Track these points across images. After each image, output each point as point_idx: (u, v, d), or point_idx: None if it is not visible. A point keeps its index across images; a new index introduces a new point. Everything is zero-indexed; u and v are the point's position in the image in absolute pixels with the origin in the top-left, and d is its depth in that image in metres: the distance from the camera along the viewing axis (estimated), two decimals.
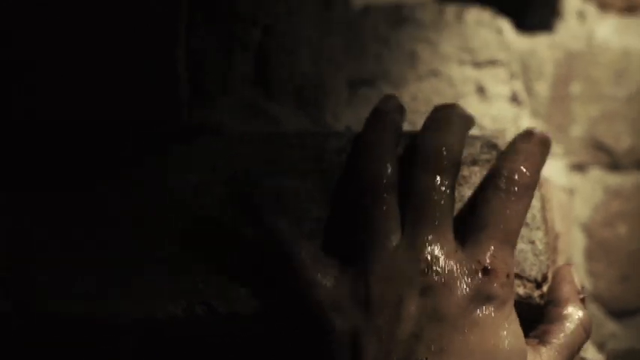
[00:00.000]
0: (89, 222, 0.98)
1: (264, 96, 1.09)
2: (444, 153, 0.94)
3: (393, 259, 0.90)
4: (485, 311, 0.90)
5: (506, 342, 0.89)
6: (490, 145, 1.02)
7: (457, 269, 0.90)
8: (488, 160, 1.01)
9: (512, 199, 0.94)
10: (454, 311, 0.88)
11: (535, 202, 1.01)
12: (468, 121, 0.98)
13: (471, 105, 1.18)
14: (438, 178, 0.93)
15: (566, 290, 0.97)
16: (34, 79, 0.97)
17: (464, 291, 0.89)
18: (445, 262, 0.90)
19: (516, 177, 0.94)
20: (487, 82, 1.23)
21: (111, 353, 1.00)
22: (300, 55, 1.15)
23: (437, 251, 0.91)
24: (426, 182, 0.93)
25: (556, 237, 1.11)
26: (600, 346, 1.07)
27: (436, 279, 0.89)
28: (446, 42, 1.23)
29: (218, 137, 1.01)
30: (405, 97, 1.20)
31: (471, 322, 0.88)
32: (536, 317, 1.02)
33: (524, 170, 0.95)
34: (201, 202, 0.99)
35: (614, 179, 1.35)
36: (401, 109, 0.98)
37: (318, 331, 0.91)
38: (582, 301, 0.97)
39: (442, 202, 0.92)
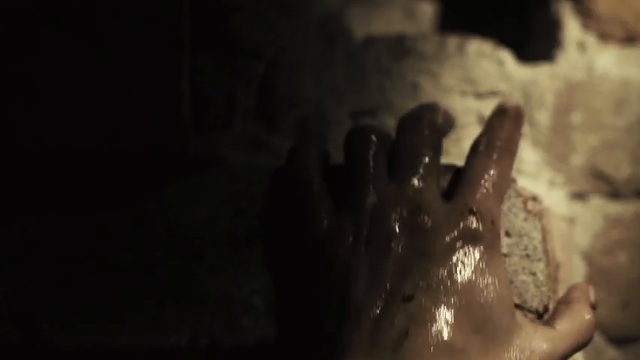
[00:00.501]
0: (94, 253, 1.00)
1: (267, 129, 1.11)
2: (430, 122, 1.00)
3: (382, 199, 0.94)
4: (472, 251, 0.93)
5: (492, 284, 0.92)
6: None
7: (444, 210, 0.94)
8: None
9: (494, 157, 0.99)
10: (441, 249, 0.92)
11: (536, 234, 1.02)
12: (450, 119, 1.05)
13: (473, 135, 1.19)
14: (424, 136, 0.98)
15: (578, 294, 1.00)
16: (39, 110, 0.98)
17: (450, 230, 0.93)
18: (432, 204, 0.95)
19: (496, 142, 1.00)
20: (488, 113, 1.25)
21: None
22: (303, 88, 1.16)
23: (424, 194, 0.95)
24: (411, 139, 0.98)
25: (557, 267, 1.12)
26: None
27: (424, 218, 0.93)
28: (448, 73, 1.25)
29: (222, 171, 1.02)
30: None
31: (458, 260, 0.92)
32: None
33: (503, 137, 1.00)
34: (208, 236, 1.00)
35: (615, 208, 1.36)
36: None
37: (314, 259, 0.94)
38: (592, 307, 0.99)
39: (427, 158, 0.97)
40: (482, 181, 0.97)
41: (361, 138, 0.98)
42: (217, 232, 1.00)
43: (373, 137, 0.97)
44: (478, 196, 0.96)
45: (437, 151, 0.99)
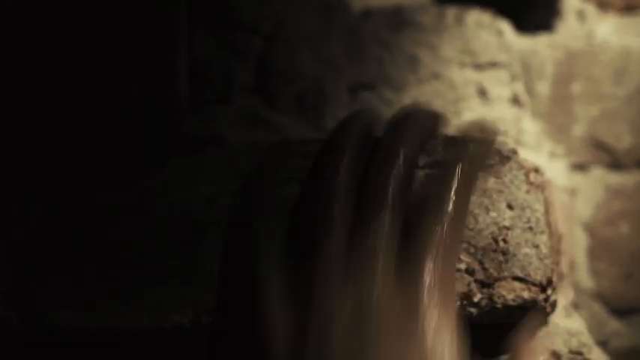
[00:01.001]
0: (94, 234, 0.99)
1: (266, 104, 1.10)
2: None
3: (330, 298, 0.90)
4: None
5: None
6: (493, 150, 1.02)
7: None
8: (491, 166, 1.02)
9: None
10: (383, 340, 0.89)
11: (538, 206, 1.01)
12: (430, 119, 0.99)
13: (473, 107, 1.18)
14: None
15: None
16: (33, 92, 0.97)
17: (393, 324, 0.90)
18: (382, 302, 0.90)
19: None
20: (488, 84, 1.24)
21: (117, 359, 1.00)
22: (301, 62, 1.15)
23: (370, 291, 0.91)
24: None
25: (559, 239, 1.11)
26: (603, 345, 1.08)
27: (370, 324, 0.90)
28: (446, 45, 1.24)
29: (221, 148, 1.01)
30: (407, 101, 1.20)
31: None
32: (541, 322, 1.03)
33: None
34: (210, 214, 0.99)
35: (616, 178, 1.35)
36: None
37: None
38: None
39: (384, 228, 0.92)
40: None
41: (333, 150, 0.94)
42: (218, 210, 0.99)
43: (348, 152, 0.94)
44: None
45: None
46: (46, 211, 0.99)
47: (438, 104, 1.20)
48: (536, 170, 1.03)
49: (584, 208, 1.34)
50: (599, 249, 1.33)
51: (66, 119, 0.97)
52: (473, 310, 0.99)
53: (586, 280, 1.32)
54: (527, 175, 1.02)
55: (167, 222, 0.99)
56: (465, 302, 0.99)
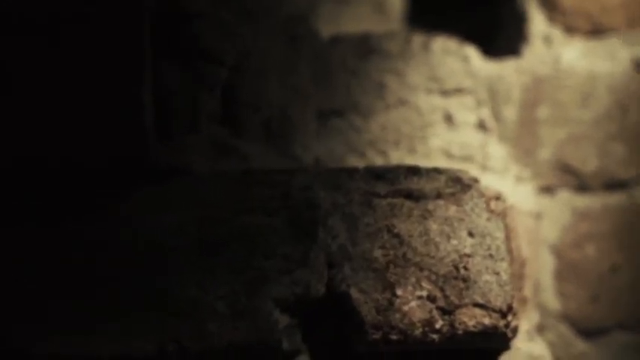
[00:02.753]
0: (62, 264, 1.00)
1: (233, 133, 1.11)
2: None
3: None
4: None
5: None
6: (454, 179, 1.04)
7: None
8: (452, 194, 1.03)
9: None
10: None
11: (499, 234, 1.03)
12: None
13: (439, 133, 1.20)
14: None
15: None
16: (6, 127, 0.98)
17: None
18: None
19: None
20: (454, 110, 1.25)
21: None
22: (267, 90, 1.16)
23: None
24: None
25: (522, 263, 1.13)
26: None
27: None
28: (413, 72, 1.25)
29: (188, 178, 1.03)
30: (374, 127, 1.22)
31: None
32: (501, 347, 1.04)
33: None
34: (175, 242, 1.01)
35: (582, 201, 1.37)
36: None
37: None
38: None
39: None
40: None
41: None
42: (184, 239, 1.01)
43: None
44: None
45: None
46: (13, 240, 1.00)
47: (404, 130, 1.21)
48: (498, 197, 1.04)
49: (551, 231, 1.35)
50: (566, 271, 1.35)
51: (29, 146, 0.99)
52: (434, 336, 1.01)
53: (553, 302, 1.34)
54: (488, 202, 1.04)
55: (133, 251, 1.00)
56: (426, 329, 1.01)
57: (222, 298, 0.99)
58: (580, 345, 1.35)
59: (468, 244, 1.02)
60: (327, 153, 1.18)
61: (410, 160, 1.01)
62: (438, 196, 1.03)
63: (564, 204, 1.36)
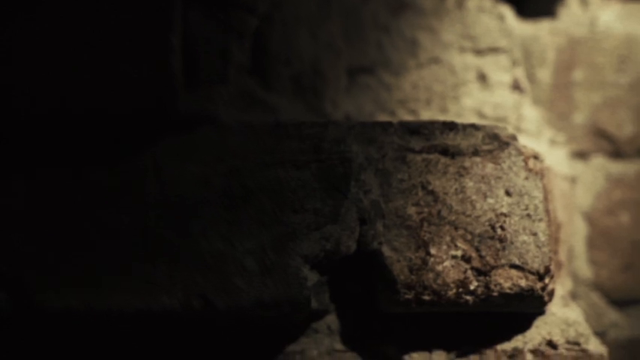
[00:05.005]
0: (84, 213, 0.97)
1: (262, 85, 1.08)
2: None
3: None
4: None
5: None
6: (491, 135, 1.01)
7: None
8: (489, 151, 1.00)
9: None
10: None
11: (537, 193, 0.99)
12: None
13: (472, 93, 1.16)
14: None
15: None
16: (25, 69, 0.95)
17: None
18: None
19: None
20: (488, 70, 1.22)
21: (107, 344, 0.98)
22: (299, 43, 1.13)
23: None
24: None
25: (558, 227, 1.09)
26: (601, 336, 1.06)
27: None
28: (447, 29, 1.22)
29: (216, 127, 0.99)
30: (406, 86, 1.18)
31: None
32: (537, 311, 1.01)
33: None
34: (202, 194, 0.97)
35: (617, 167, 1.33)
36: None
37: None
38: None
39: None
40: None
41: None
42: (211, 191, 0.97)
43: None
44: None
45: None
46: (33, 187, 0.97)
47: (436, 89, 1.18)
48: (536, 156, 1.01)
49: (584, 197, 1.32)
50: (599, 239, 1.31)
51: (57, 95, 0.95)
52: (468, 297, 0.98)
53: (585, 270, 1.30)
54: (526, 161, 1.00)
55: (158, 201, 0.97)
56: (460, 290, 0.98)
57: (250, 252, 0.96)
58: (612, 315, 1.32)
59: (505, 203, 0.99)
60: (356, 110, 1.15)
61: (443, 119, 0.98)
62: (475, 152, 1.00)
63: (598, 170, 1.32)
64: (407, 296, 0.98)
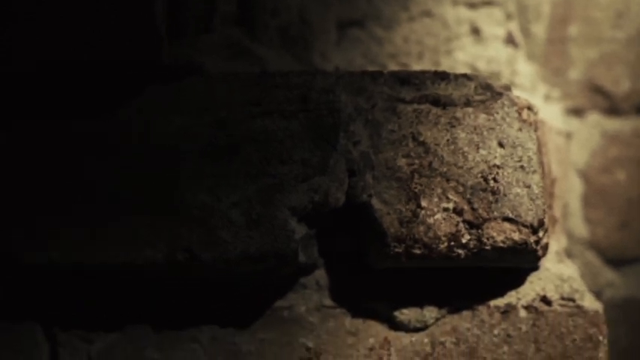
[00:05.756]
0: (65, 162, 0.94)
1: (248, 35, 1.05)
2: None
3: None
4: None
5: None
6: (484, 85, 0.98)
7: None
8: (482, 101, 0.98)
9: None
10: None
11: (531, 145, 0.97)
12: None
13: (465, 47, 1.14)
14: None
15: None
16: (7, 17, 0.92)
17: None
18: None
19: None
20: (482, 23, 1.19)
21: (92, 297, 0.96)
22: None
23: None
24: None
25: (553, 182, 1.07)
26: (597, 295, 1.04)
27: None
28: None
29: (200, 78, 0.97)
30: (397, 39, 1.16)
31: None
32: (530, 265, 0.99)
33: None
34: (186, 145, 0.95)
35: (613, 124, 1.31)
36: None
37: None
38: None
39: None
40: None
41: None
42: (195, 142, 0.95)
43: None
44: None
45: None
46: (13, 140, 0.94)
47: (428, 43, 1.15)
48: (530, 108, 0.99)
49: (580, 154, 1.30)
50: (595, 197, 1.29)
51: (37, 45, 0.93)
52: (460, 251, 0.96)
53: (580, 229, 1.28)
54: (519, 112, 0.98)
55: (142, 152, 0.94)
56: (452, 243, 0.95)
57: (236, 205, 0.94)
58: (608, 274, 1.30)
59: (497, 155, 0.97)
60: (346, 64, 1.13)
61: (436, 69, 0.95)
62: (467, 103, 0.98)
63: (594, 126, 1.30)
64: (397, 250, 0.95)
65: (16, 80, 0.95)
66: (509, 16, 1.21)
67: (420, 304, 0.98)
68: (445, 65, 1.15)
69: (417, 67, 1.15)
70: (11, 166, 0.94)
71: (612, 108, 1.31)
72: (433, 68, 1.03)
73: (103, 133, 0.95)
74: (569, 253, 1.22)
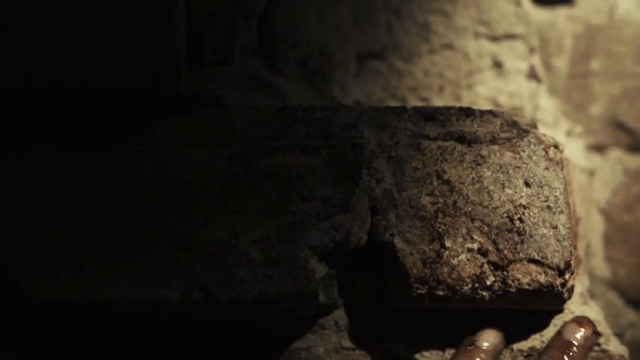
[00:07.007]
0: (80, 196, 0.92)
1: (268, 67, 1.03)
2: None
3: None
4: None
5: None
6: (510, 122, 0.96)
7: None
8: (508, 139, 0.95)
9: None
10: None
11: (558, 184, 0.95)
12: None
13: (487, 81, 1.12)
14: None
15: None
16: (23, 40, 0.90)
17: None
18: None
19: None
20: (504, 57, 1.17)
21: (106, 336, 0.94)
22: (307, 25, 1.08)
23: None
24: None
25: (577, 221, 1.05)
26: (619, 336, 1.02)
27: None
28: (461, 13, 1.17)
29: (219, 110, 0.94)
30: (417, 72, 1.14)
31: None
32: (555, 308, 0.97)
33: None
34: (204, 180, 0.92)
35: (635, 161, 1.29)
36: None
37: None
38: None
39: None
40: None
41: None
42: (213, 177, 0.92)
43: None
44: None
45: None
46: (25, 169, 0.92)
47: (449, 76, 1.13)
48: (556, 146, 0.96)
49: (602, 192, 1.27)
50: (616, 235, 1.27)
51: (55, 70, 0.90)
52: (485, 293, 0.93)
53: (602, 268, 1.26)
54: (546, 150, 0.96)
55: (158, 186, 0.92)
56: (476, 285, 0.93)
57: (255, 243, 0.91)
58: (630, 315, 1.27)
59: (524, 194, 0.94)
60: (365, 97, 1.11)
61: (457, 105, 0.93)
62: (493, 140, 0.95)
63: (616, 163, 1.28)
64: (420, 291, 0.93)
65: (30, 103, 0.92)
66: (531, 50, 1.20)
67: (442, 348, 0.96)
68: (466, 99, 1.13)
69: (437, 100, 1.13)
70: (25, 197, 0.92)
71: (634, 144, 1.29)
72: (454, 102, 1.01)
73: (118, 164, 0.93)
74: (591, 294, 1.20)
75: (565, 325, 0.95)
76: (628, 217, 1.28)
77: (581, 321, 0.95)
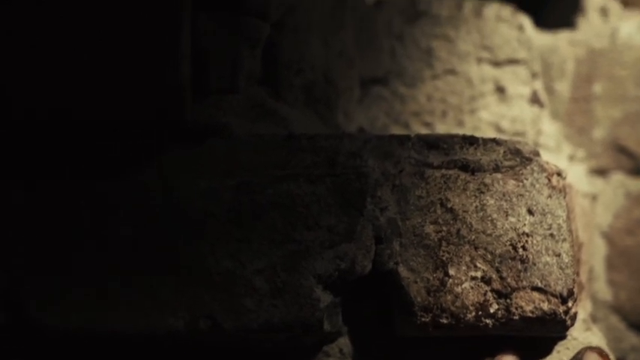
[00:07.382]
0: (86, 226, 0.92)
1: (273, 95, 1.03)
2: None
3: None
4: None
5: None
6: (513, 151, 0.97)
7: None
8: (511, 167, 0.96)
9: None
10: None
11: (561, 212, 0.95)
12: None
13: (489, 106, 1.13)
14: None
15: None
16: (29, 75, 0.91)
17: None
18: None
19: None
20: (507, 82, 1.18)
21: None
22: (311, 52, 1.09)
23: None
24: None
25: (579, 247, 1.05)
26: None
27: None
28: (464, 39, 1.18)
29: (225, 139, 0.95)
30: (420, 97, 1.14)
31: None
32: (559, 335, 0.97)
33: None
34: (209, 209, 0.93)
35: (637, 184, 1.30)
36: None
37: None
38: None
39: None
40: None
41: None
42: (219, 206, 0.93)
43: None
44: None
45: None
46: (33, 199, 0.92)
47: (452, 102, 1.14)
48: (559, 173, 0.97)
49: (604, 216, 1.28)
50: (618, 259, 1.27)
51: (60, 102, 0.91)
52: (488, 321, 0.94)
53: (604, 292, 1.26)
54: (549, 178, 0.96)
55: (164, 215, 0.92)
56: (480, 313, 0.93)
57: (260, 272, 0.91)
58: (632, 338, 1.28)
59: (527, 222, 0.95)
60: (369, 122, 1.11)
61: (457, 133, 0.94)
62: (496, 168, 0.96)
63: (618, 187, 1.29)
64: (424, 319, 0.93)
65: (37, 137, 0.93)
66: (534, 75, 1.20)
67: None
68: (469, 124, 1.14)
69: (440, 125, 1.13)
70: (30, 226, 0.92)
71: (636, 168, 1.29)
72: (457, 127, 1.02)
73: (124, 193, 0.93)
74: (593, 318, 1.20)
75: (585, 353, 0.95)
76: (630, 241, 1.28)
77: (601, 352, 0.95)
